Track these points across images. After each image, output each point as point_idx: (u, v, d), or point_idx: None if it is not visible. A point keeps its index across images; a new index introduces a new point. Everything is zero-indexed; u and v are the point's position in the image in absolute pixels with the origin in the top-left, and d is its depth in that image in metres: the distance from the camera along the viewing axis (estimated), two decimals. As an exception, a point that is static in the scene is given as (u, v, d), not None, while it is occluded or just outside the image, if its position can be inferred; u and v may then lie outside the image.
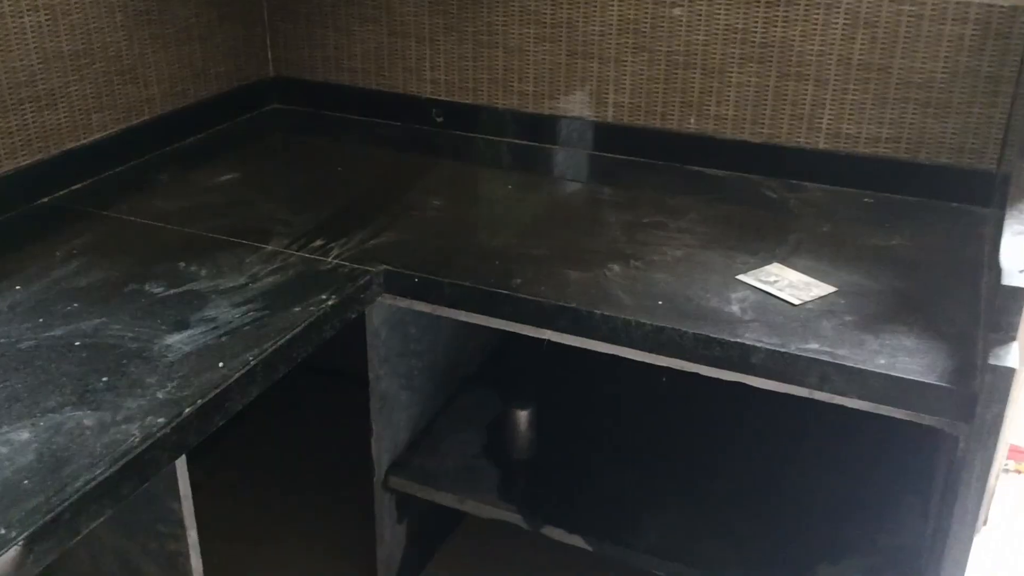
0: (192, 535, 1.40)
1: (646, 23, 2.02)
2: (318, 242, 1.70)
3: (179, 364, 1.33)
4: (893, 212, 1.85)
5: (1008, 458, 2.48)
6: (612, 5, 2.03)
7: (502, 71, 2.19)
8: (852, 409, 1.38)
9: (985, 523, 2.29)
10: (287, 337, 1.40)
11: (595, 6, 2.05)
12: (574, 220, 1.83)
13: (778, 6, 1.90)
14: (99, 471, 1.12)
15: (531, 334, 1.56)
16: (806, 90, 1.94)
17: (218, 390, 1.27)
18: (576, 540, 1.71)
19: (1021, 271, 1.26)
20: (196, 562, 1.43)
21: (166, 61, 2.11)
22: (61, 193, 1.90)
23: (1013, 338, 1.28)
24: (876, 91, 1.89)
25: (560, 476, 1.84)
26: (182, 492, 1.35)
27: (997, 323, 1.27)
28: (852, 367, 1.34)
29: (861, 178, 1.93)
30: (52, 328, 1.41)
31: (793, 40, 1.92)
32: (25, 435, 1.18)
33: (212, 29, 2.22)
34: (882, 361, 1.34)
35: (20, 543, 1.01)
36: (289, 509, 2.20)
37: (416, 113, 2.31)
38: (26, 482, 1.09)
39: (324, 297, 1.52)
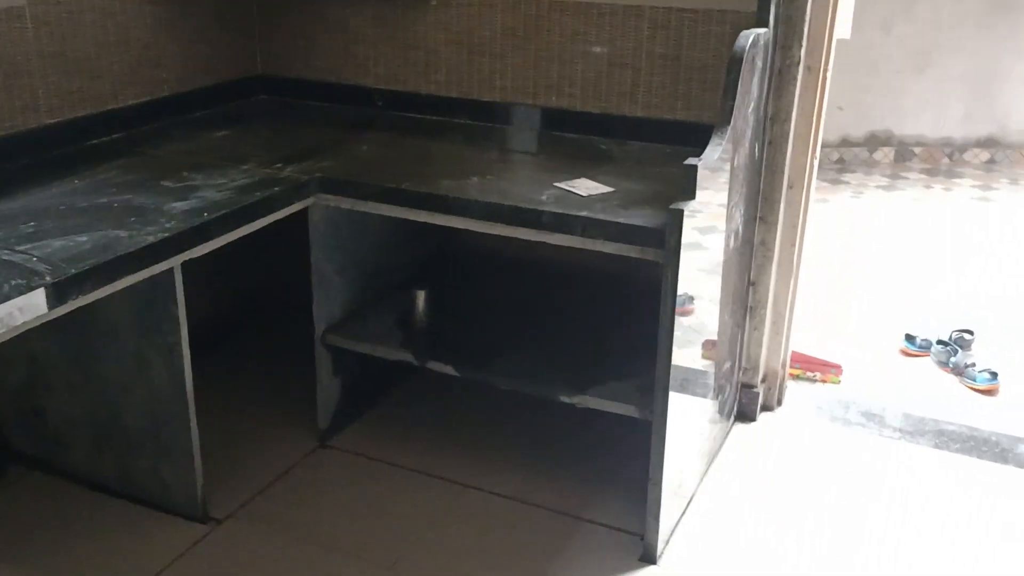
0: (183, 331, 2.19)
1: (521, 29, 2.85)
2: (278, 165, 2.51)
3: (179, 214, 2.13)
4: (679, 156, 2.64)
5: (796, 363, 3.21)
6: (497, 16, 2.87)
7: (423, 66, 3.02)
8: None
9: (780, 404, 3.03)
10: (246, 202, 2.21)
11: (486, 17, 2.88)
12: (459, 159, 2.64)
13: (604, 16, 2.73)
14: (126, 250, 1.91)
15: (411, 217, 2.36)
16: (627, 75, 2.76)
17: (200, 222, 2.08)
18: (448, 369, 2.49)
19: (691, 161, 2.06)
20: (186, 350, 2.21)
21: (181, 56, 2.95)
22: (104, 139, 2.71)
23: (690, 198, 2.06)
24: (672, 74, 2.70)
25: (443, 331, 2.64)
26: (178, 297, 2.14)
27: (682, 190, 2.06)
28: (602, 219, 2.13)
29: (663, 135, 2.73)
30: (100, 198, 2.22)
31: (616, 40, 2.74)
32: (84, 238, 1.97)
33: (216, 35, 3.06)
34: (621, 220, 2.13)
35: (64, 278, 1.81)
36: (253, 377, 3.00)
37: (363, 99, 3.13)
38: (82, 254, 1.89)
39: (277, 189, 2.33)
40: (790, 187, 2.76)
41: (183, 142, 2.74)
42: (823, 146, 5.89)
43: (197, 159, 2.56)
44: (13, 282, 1.74)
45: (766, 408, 3.00)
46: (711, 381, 2.53)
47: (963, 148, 6.11)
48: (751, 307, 2.85)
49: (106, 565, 2.24)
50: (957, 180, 5.75)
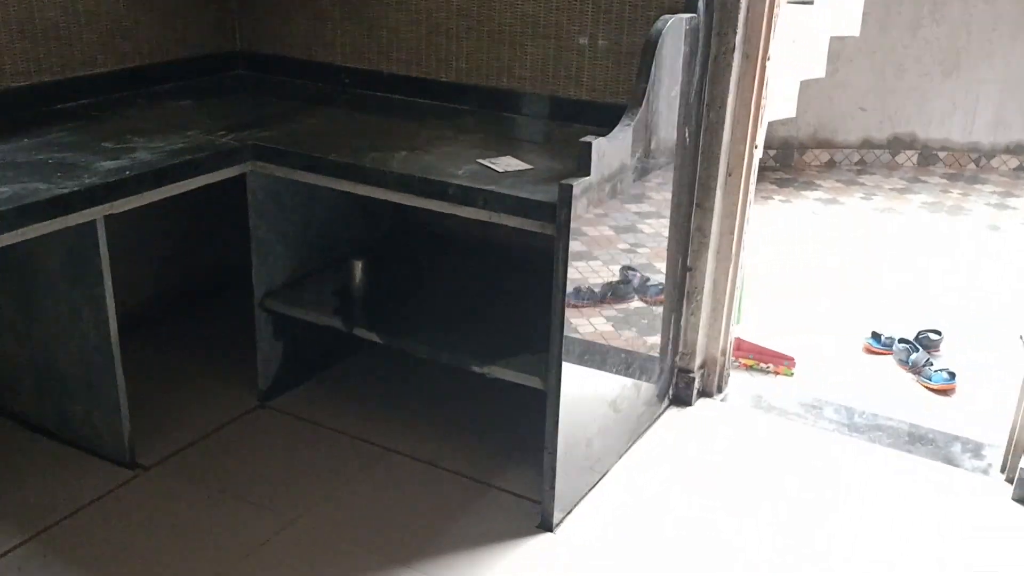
0: (107, 282, 2.31)
1: (475, 10, 2.91)
2: (220, 133, 2.62)
3: (104, 172, 2.25)
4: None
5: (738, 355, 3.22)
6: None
7: (385, 45, 3.11)
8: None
9: (719, 391, 3.04)
10: (171, 163, 2.32)
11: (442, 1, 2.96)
12: (397, 134, 2.72)
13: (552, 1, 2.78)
14: (34, 199, 2.04)
15: (335, 186, 2.44)
16: (572, 59, 2.80)
17: (118, 179, 2.20)
18: (373, 336, 2.58)
19: (588, 138, 2.10)
20: (110, 302, 2.33)
21: (156, 27, 3.08)
22: (68, 104, 2.86)
23: (585, 174, 2.11)
24: (613, 59, 2.74)
25: (375, 302, 2.72)
26: (101, 250, 2.27)
27: (577, 166, 2.11)
28: (500, 193, 2.19)
29: (605, 118, 2.76)
30: (39, 155, 2.36)
31: (563, 25, 2.78)
32: (5, 188, 2.10)
33: (192, 9, 3.19)
34: (518, 194, 2.18)
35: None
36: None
37: (331, 76, 3.23)
38: None
39: (205, 153, 2.44)
40: (729, 175, 2.77)
41: (142, 110, 2.87)
42: (843, 147, 5.91)
43: (146, 125, 2.68)
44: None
45: (704, 394, 3.02)
46: (626, 359, 2.56)
47: (991, 154, 5.97)
48: (688, 292, 2.87)
49: (32, 500, 2.37)
50: (979, 186, 5.62)
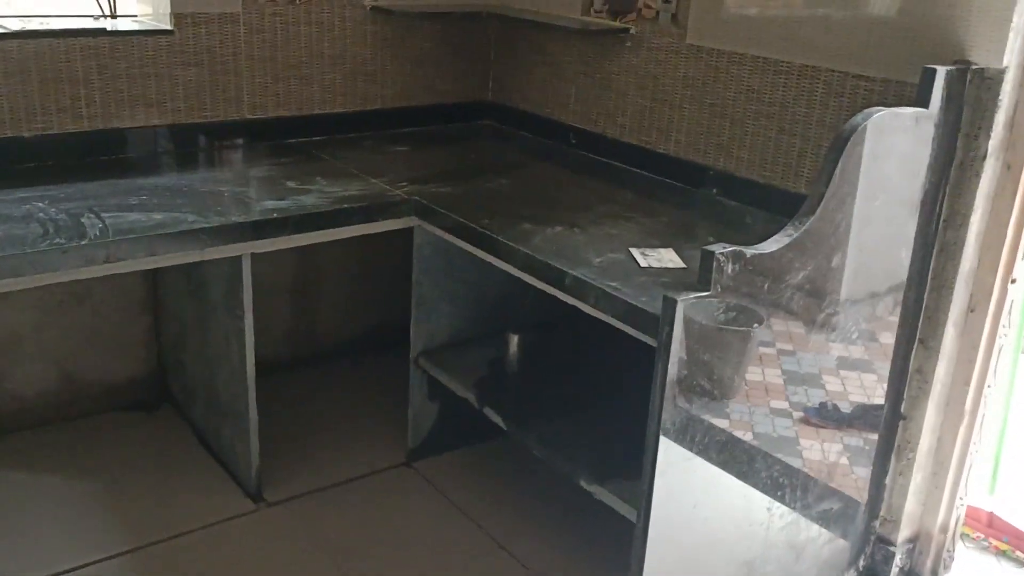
0: (248, 317, 2.35)
1: (699, 80, 2.60)
2: (402, 184, 2.57)
3: (260, 211, 2.29)
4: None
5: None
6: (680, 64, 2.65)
7: (612, 108, 2.89)
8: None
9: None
10: (320, 210, 2.31)
11: (670, 63, 2.67)
12: (575, 206, 2.48)
13: (780, 75, 2.38)
14: (166, 231, 2.12)
15: (475, 254, 2.28)
16: (796, 144, 2.38)
17: (264, 219, 2.22)
18: (499, 420, 2.37)
19: (713, 247, 1.73)
20: (250, 335, 2.37)
21: (401, 73, 3.14)
22: (302, 139, 2.99)
23: (704, 289, 1.74)
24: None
25: (512, 380, 2.55)
26: (245, 285, 2.31)
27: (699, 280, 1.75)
28: (611, 294, 1.89)
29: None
30: (220, 187, 2.47)
31: (789, 105, 2.38)
32: (160, 216, 2.21)
33: (442, 58, 3.20)
34: (625, 298, 1.88)
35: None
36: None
37: (561, 135, 3.07)
38: (137, 227, 2.12)
39: (364, 204, 2.40)
40: (971, 311, 2.18)
41: (362, 152, 2.92)
42: None
43: (346, 167, 2.71)
44: (64, 236, 2.02)
45: (914, 574, 2.41)
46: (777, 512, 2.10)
47: None
48: (898, 445, 2.30)
49: (161, 509, 2.48)
50: None
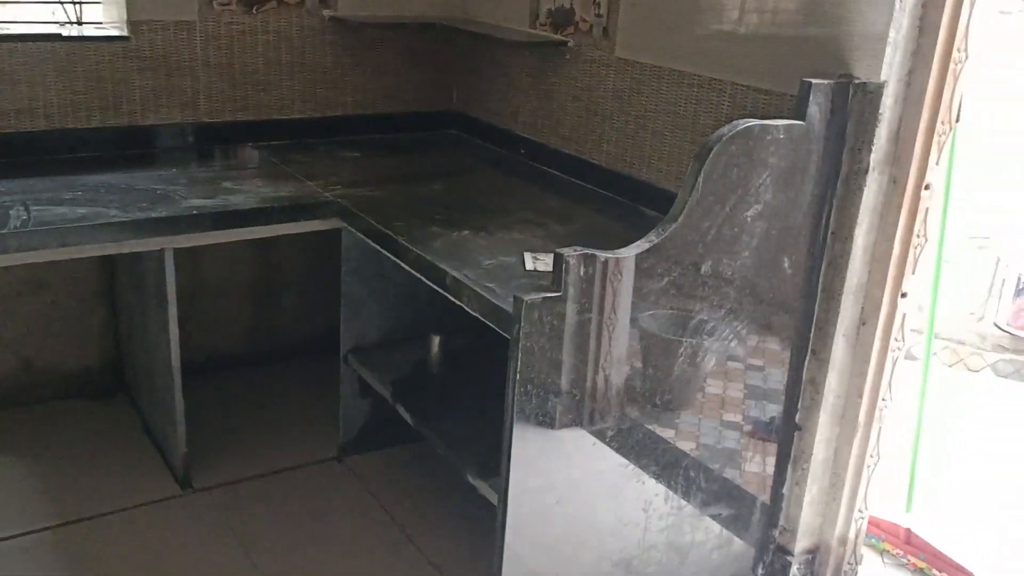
0: (172, 309, 2.47)
1: (626, 94, 2.65)
2: (335, 188, 2.67)
3: (183, 208, 2.41)
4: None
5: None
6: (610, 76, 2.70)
7: (554, 120, 2.96)
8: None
9: None
10: (241, 208, 2.42)
11: (601, 76, 2.73)
12: (493, 211, 2.55)
13: (692, 87, 2.43)
14: (89, 223, 2.24)
15: (385, 254, 2.36)
16: (706, 155, 2.42)
17: (183, 215, 2.34)
18: (407, 416, 2.45)
19: (563, 251, 1.79)
20: (174, 327, 2.49)
21: (363, 82, 3.25)
22: (263, 143, 3.11)
23: (555, 290, 1.80)
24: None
25: (429, 378, 2.65)
26: (168, 279, 2.43)
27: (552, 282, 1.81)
28: (479, 293, 1.97)
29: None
30: (154, 185, 2.59)
31: (700, 116, 2.42)
32: (83, 210, 2.34)
33: (407, 68, 3.30)
34: (490, 298, 1.95)
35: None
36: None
37: (511, 145, 3.15)
38: (63, 219, 2.25)
39: (286, 204, 2.50)
40: (862, 323, 2.20)
41: (313, 157, 3.01)
42: None
43: (285, 171, 2.82)
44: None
45: (814, 587, 2.42)
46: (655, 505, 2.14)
47: None
48: (794, 456, 2.32)
49: (93, 487, 2.61)
50: None
